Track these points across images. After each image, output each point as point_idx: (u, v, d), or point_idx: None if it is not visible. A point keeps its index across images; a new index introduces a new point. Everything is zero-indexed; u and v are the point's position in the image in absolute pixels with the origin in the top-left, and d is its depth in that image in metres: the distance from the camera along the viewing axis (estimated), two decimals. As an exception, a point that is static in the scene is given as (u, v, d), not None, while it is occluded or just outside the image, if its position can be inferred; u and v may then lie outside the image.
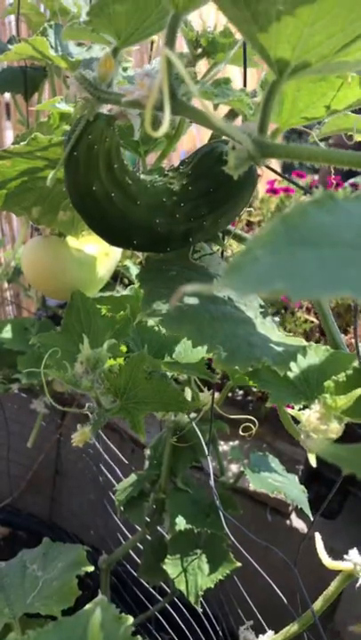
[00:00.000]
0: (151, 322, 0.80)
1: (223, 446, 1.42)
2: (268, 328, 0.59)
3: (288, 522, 1.35)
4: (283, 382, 0.55)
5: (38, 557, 0.93)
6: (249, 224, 1.79)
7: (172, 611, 1.24)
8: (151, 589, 1.27)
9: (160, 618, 1.26)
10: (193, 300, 0.56)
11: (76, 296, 0.77)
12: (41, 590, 0.85)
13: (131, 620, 0.51)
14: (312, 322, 1.41)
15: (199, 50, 0.62)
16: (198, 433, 0.92)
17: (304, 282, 0.21)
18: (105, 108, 0.51)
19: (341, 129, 0.62)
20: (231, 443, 1.46)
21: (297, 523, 1.35)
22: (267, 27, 0.38)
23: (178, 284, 0.58)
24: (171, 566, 0.93)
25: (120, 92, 0.46)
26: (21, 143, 0.59)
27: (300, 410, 0.54)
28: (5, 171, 0.67)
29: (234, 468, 1.33)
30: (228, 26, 0.59)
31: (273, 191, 1.83)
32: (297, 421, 0.57)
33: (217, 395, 0.89)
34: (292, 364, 0.53)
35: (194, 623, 1.19)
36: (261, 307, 0.62)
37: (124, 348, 0.72)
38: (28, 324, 1.23)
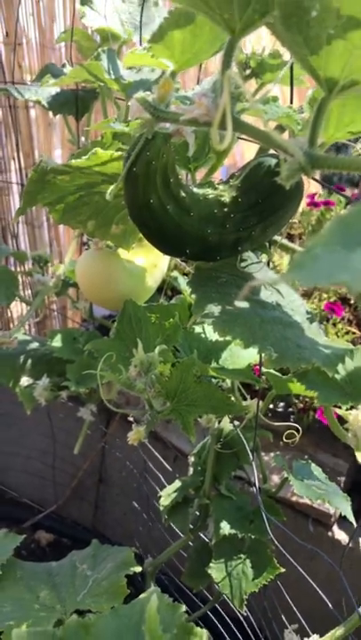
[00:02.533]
0: (198, 329, 0.83)
1: (265, 457, 1.44)
2: (316, 332, 0.61)
3: (330, 533, 1.35)
4: (330, 384, 0.58)
5: (88, 558, 0.97)
6: (290, 236, 1.81)
7: (213, 618, 1.25)
8: (193, 597, 1.29)
9: (201, 624, 1.27)
10: (243, 305, 0.59)
11: (128, 304, 0.81)
12: (91, 589, 0.88)
13: (183, 607, 0.54)
14: (354, 333, 1.42)
15: (248, 71, 0.66)
16: (243, 439, 0.94)
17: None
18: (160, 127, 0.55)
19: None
20: (273, 454, 1.47)
21: (339, 534, 1.35)
22: (318, 49, 0.41)
23: (228, 290, 0.61)
24: (215, 571, 0.95)
25: (178, 112, 0.50)
26: (83, 158, 0.63)
27: (346, 410, 0.56)
28: (64, 185, 0.71)
29: (276, 478, 1.34)
30: (276, 48, 0.63)
31: (314, 204, 1.85)
32: (343, 422, 0.59)
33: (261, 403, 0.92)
34: (340, 366, 0.56)
35: (236, 631, 1.20)
36: (308, 313, 0.65)
37: (171, 356, 0.75)
38: (76, 335, 1.28)
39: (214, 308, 0.57)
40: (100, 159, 0.64)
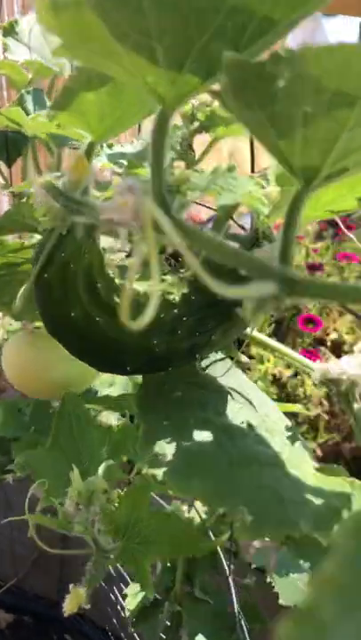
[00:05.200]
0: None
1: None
2: (301, 460, 0.47)
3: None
4: (325, 551, 0.44)
5: None
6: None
7: None
8: None
9: None
10: (205, 435, 0.45)
11: (67, 400, 0.66)
12: None
13: None
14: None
15: (196, 124, 0.52)
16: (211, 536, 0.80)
17: None
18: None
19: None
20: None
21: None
22: (288, 131, 0.27)
23: (186, 411, 0.47)
24: None
25: (97, 206, 0.36)
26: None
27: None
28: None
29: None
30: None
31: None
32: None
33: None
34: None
35: None
36: (288, 428, 0.51)
37: (119, 474, 0.61)
38: (22, 405, 1.12)
39: (166, 447, 0.43)
40: (9, 247, 0.50)
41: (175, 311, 0.46)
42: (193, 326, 0.46)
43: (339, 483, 0.45)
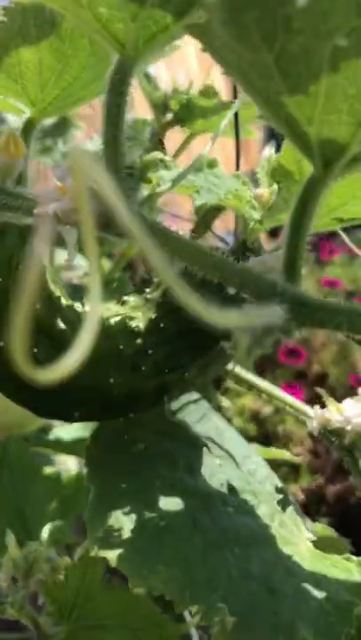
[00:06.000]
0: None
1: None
2: (293, 534, 0.38)
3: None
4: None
5: None
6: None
7: None
8: None
9: None
10: (175, 503, 0.35)
11: (11, 447, 0.55)
12: None
13: None
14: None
15: (169, 115, 0.43)
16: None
17: None
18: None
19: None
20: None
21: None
22: (305, 82, 0.18)
23: (151, 470, 0.37)
24: None
25: (30, 197, 0.27)
26: None
27: None
28: None
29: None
30: (210, 82, 0.41)
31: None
32: None
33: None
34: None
35: None
36: (278, 490, 0.41)
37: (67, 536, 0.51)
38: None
39: (123, 521, 0.33)
40: None
41: (138, 341, 0.36)
42: (161, 361, 0.36)
43: (343, 566, 0.35)
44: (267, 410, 1.16)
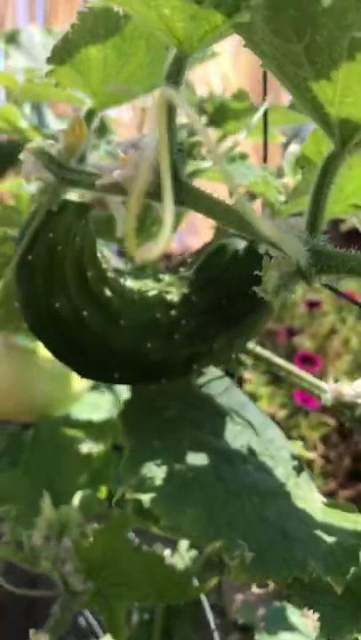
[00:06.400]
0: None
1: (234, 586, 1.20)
2: (307, 494, 0.41)
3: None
4: (339, 599, 0.37)
5: None
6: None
7: None
8: None
9: None
10: (201, 459, 0.39)
11: (43, 426, 0.60)
12: None
13: None
14: (328, 424, 1.22)
15: (203, 118, 0.48)
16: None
17: None
18: (76, 193, 0.36)
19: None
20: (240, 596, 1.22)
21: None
22: (328, 68, 0.23)
23: (179, 432, 0.41)
24: None
25: (95, 171, 0.31)
26: None
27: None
28: None
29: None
30: (242, 88, 0.46)
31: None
32: None
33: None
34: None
35: None
36: (293, 457, 0.45)
37: (103, 493, 0.55)
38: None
39: (156, 471, 0.37)
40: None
41: (173, 313, 0.40)
42: (192, 331, 0.40)
43: (352, 519, 0.39)
44: (281, 413, 1.19)
